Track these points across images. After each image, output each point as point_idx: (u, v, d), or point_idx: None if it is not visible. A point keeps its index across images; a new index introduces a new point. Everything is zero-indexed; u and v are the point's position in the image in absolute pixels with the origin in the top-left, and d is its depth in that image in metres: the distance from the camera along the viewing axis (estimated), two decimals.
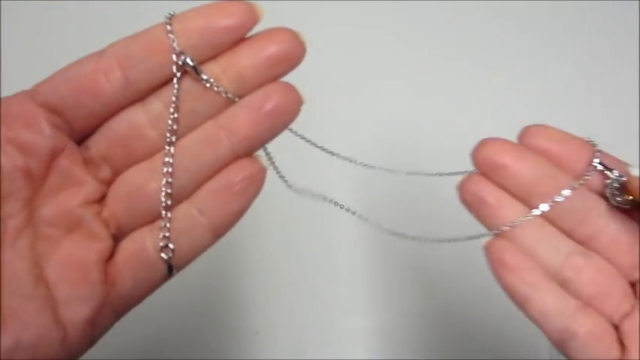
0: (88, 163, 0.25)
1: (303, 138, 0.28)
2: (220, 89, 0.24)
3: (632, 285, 0.27)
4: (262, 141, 0.25)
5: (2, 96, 0.24)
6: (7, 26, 0.51)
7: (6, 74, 0.48)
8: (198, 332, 0.45)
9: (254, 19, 0.24)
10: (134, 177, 0.25)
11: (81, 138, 0.25)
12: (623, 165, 0.27)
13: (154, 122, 0.24)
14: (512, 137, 0.27)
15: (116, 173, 0.25)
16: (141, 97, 0.24)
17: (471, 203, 0.27)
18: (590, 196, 0.27)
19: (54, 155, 0.24)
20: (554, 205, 0.27)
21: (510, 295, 0.27)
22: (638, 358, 0.26)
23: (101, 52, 0.24)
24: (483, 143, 0.27)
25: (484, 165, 0.27)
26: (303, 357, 0.44)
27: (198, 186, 0.25)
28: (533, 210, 0.27)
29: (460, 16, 0.54)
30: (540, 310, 0.26)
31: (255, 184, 0.25)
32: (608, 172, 0.27)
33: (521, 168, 0.27)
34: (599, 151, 0.27)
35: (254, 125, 0.24)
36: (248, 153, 0.25)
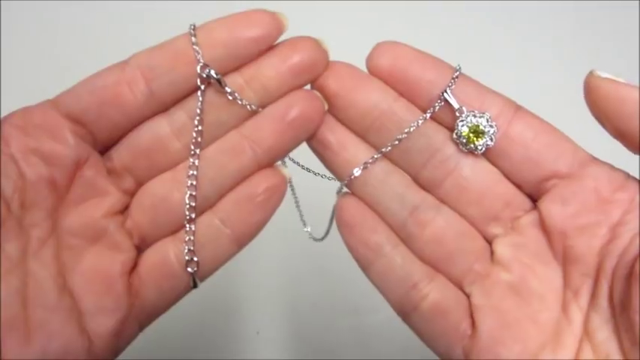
0: (111, 173, 0.25)
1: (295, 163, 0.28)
2: (244, 102, 0.24)
3: (491, 242, 0.25)
4: (286, 150, 0.25)
5: (3, 100, 0.23)
6: (7, 26, 0.50)
7: (6, 73, 0.48)
8: (198, 332, 0.45)
9: (279, 30, 0.23)
10: (158, 188, 0.25)
11: (104, 148, 0.25)
12: (484, 95, 0.24)
13: (177, 133, 0.24)
14: None
15: (139, 184, 0.25)
16: (164, 108, 0.24)
17: (315, 146, 0.25)
18: (437, 134, 0.24)
19: (78, 165, 0.24)
20: (395, 144, 0.24)
21: (354, 258, 0.25)
22: (488, 336, 0.23)
23: (124, 63, 0.24)
24: (329, 67, 0.25)
25: (320, 92, 0.25)
26: (303, 357, 0.44)
27: (221, 196, 0.25)
28: (375, 154, 0.24)
29: (460, 17, 0.54)
30: (381, 276, 0.25)
31: (277, 195, 0.25)
32: (457, 112, 0.24)
33: (356, 98, 0.24)
34: (458, 77, 0.24)
35: (278, 135, 0.24)
36: (271, 163, 0.25)
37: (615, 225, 0.22)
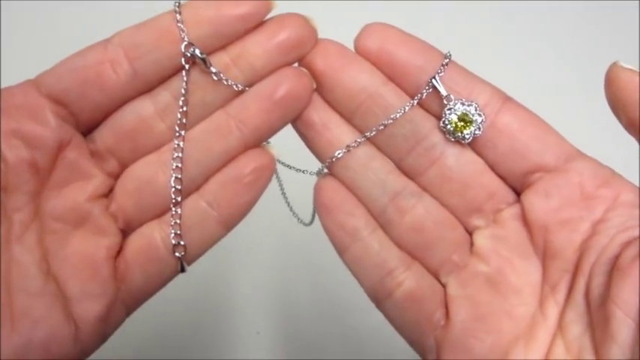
0: (94, 155, 0.24)
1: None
2: (230, 82, 0.23)
3: (472, 234, 0.24)
4: (273, 130, 0.24)
5: (2, 86, 0.23)
6: (8, 26, 0.51)
7: (6, 73, 0.48)
8: (199, 332, 0.44)
9: (267, 7, 0.23)
10: (142, 170, 0.24)
11: (87, 130, 0.24)
12: (473, 83, 0.24)
13: (161, 114, 0.24)
14: None
15: (123, 166, 0.24)
16: (149, 88, 0.24)
17: (298, 126, 0.25)
18: (424, 121, 0.24)
19: (60, 148, 0.23)
20: (381, 129, 0.24)
21: (331, 241, 0.25)
22: (460, 327, 0.23)
23: (107, 42, 0.23)
24: (317, 45, 0.24)
25: (310, 71, 0.24)
26: (303, 357, 0.44)
27: (207, 178, 0.24)
28: (359, 137, 0.24)
29: (460, 17, 0.54)
30: (357, 261, 0.24)
31: (265, 175, 0.24)
32: (443, 98, 0.23)
33: (343, 78, 0.24)
34: (447, 64, 0.23)
35: (265, 114, 0.23)
36: (258, 143, 0.24)
37: (597, 222, 0.22)
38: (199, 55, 0.23)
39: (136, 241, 0.24)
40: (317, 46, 0.24)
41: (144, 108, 0.24)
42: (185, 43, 0.23)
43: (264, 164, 0.24)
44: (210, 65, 0.23)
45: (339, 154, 0.24)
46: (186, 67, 0.23)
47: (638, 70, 0.22)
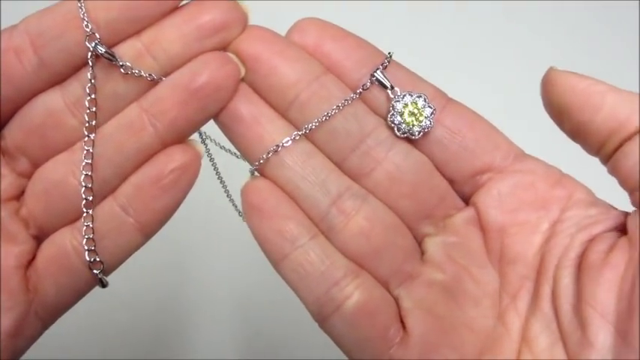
0: (4, 154, 0.22)
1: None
2: (142, 72, 0.21)
3: (421, 241, 0.22)
4: (193, 124, 0.21)
5: None
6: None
7: None
8: (199, 332, 0.44)
9: None
10: (51, 171, 0.22)
11: None
12: (415, 82, 0.22)
13: (72, 108, 0.21)
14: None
15: (35, 166, 0.22)
16: (59, 78, 0.21)
17: (224, 120, 0.22)
18: (368, 116, 0.22)
19: None
20: (320, 124, 0.21)
21: (264, 250, 0.22)
22: (420, 343, 0.21)
23: (13, 28, 0.21)
24: (247, 30, 0.21)
25: (237, 56, 0.21)
26: (303, 357, 0.43)
27: (123, 179, 0.22)
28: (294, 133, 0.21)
29: (459, 17, 0.54)
30: (297, 272, 0.21)
31: (187, 175, 0.21)
32: (389, 90, 0.21)
33: (278, 65, 0.21)
34: (389, 61, 0.22)
35: (182, 106, 0.21)
36: (178, 139, 0.22)
37: (555, 222, 0.21)
38: (101, 50, 0.20)
39: (47, 248, 0.22)
40: (246, 31, 0.21)
41: (53, 101, 0.21)
42: (88, 34, 0.20)
43: (185, 163, 0.21)
44: (116, 59, 0.21)
45: (271, 151, 0.21)
46: (90, 62, 0.21)
47: (575, 72, 0.21)
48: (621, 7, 0.52)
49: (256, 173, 0.22)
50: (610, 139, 0.20)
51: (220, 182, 0.27)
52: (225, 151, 0.25)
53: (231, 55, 0.21)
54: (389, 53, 0.22)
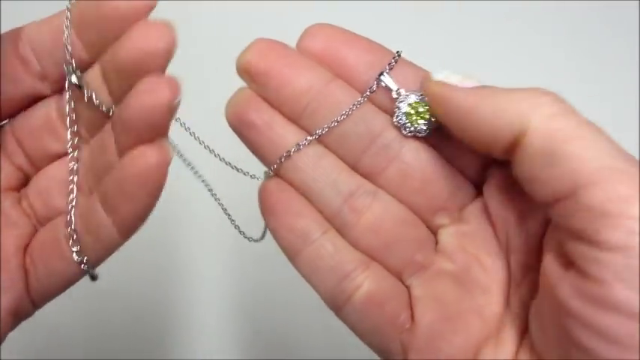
0: (3, 148, 0.23)
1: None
2: (99, 105, 0.21)
3: (436, 232, 0.23)
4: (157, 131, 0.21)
5: None
6: (8, 26, 0.50)
7: None
8: (199, 332, 0.45)
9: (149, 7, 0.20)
10: (54, 172, 0.23)
11: None
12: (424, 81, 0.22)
13: (63, 120, 0.22)
14: None
15: (31, 163, 0.23)
16: (60, 87, 0.22)
17: (239, 128, 0.23)
18: (377, 118, 0.23)
19: None
20: (331, 129, 0.22)
21: (280, 247, 0.23)
22: (427, 329, 0.22)
23: (17, 36, 0.22)
24: (253, 44, 0.22)
25: (246, 73, 0.22)
26: (303, 357, 0.44)
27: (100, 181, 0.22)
28: (309, 137, 0.22)
29: (459, 17, 0.54)
30: (310, 266, 0.23)
31: (156, 176, 0.21)
32: (394, 92, 0.22)
33: (288, 77, 0.22)
34: (396, 61, 0.22)
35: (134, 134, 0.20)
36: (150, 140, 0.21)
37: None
38: (74, 81, 0.21)
39: (41, 234, 0.23)
40: (255, 46, 0.22)
41: (50, 109, 0.22)
42: (68, 65, 0.21)
43: (153, 163, 0.20)
44: (82, 89, 0.21)
45: (284, 156, 0.22)
46: (67, 94, 0.22)
47: (447, 80, 0.21)
48: (621, 7, 0.52)
49: (271, 174, 0.23)
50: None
51: (210, 193, 0.28)
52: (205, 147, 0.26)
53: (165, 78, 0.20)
54: (397, 52, 0.23)
